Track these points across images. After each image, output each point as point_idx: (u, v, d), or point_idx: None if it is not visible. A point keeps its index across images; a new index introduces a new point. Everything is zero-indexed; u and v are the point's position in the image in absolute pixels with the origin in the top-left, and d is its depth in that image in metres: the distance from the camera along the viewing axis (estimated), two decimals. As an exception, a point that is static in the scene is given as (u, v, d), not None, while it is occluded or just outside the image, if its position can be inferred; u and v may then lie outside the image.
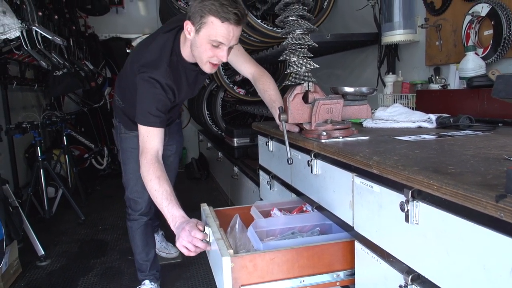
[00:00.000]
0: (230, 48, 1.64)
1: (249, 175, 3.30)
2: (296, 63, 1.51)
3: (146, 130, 1.70)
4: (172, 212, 1.52)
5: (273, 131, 1.94)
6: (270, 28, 3.24)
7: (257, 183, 2.61)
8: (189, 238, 1.38)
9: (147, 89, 1.71)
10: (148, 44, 1.86)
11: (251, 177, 3.26)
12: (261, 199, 2.30)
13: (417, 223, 0.92)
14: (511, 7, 1.71)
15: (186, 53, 1.77)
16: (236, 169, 3.77)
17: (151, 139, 1.69)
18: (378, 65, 2.72)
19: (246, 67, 1.97)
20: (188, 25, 1.62)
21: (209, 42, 1.59)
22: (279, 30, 3.24)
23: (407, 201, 0.93)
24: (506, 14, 1.71)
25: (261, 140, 2.26)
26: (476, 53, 1.83)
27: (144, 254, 2.35)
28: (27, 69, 4.68)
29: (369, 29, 2.78)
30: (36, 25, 3.47)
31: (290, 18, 1.51)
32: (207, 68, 1.70)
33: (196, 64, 1.78)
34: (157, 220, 2.70)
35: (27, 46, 3.47)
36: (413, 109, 1.95)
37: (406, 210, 0.93)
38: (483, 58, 1.83)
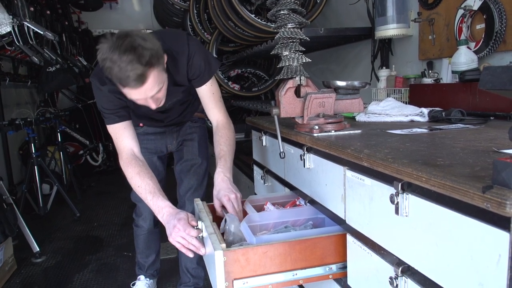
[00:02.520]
0: (158, 92, 1.50)
1: (244, 170, 3.31)
2: (288, 57, 1.51)
3: (113, 131, 1.69)
4: (158, 203, 1.52)
5: (267, 125, 1.94)
6: (264, 23, 3.24)
7: (252, 178, 2.61)
8: (183, 236, 1.38)
9: (95, 91, 1.68)
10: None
11: (245, 172, 3.26)
12: (255, 194, 2.30)
13: (407, 215, 0.93)
14: (503, 1, 1.71)
15: None
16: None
17: (120, 139, 1.68)
18: (371, 59, 2.72)
19: (214, 113, 1.82)
20: None
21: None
22: (273, 25, 3.23)
23: (397, 194, 0.93)
24: (498, 7, 1.72)
25: (255, 135, 2.26)
26: (468, 47, 1.84)
27: (144, 255, 2.35)
28: (20, 65, 4.66)
29: (363, 23, 2.79)
30: (28, 20, 3.45)
31: (282, 12, 1.51)
32: (153, 108, 1.58)
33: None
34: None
35: (19, 42, 3.45)
36: (406, 103, 1.95)
37: (396, 202, 0.94)
38: (475, 52, 1.83)
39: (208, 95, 1.79)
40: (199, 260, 2.27)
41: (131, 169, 1.62)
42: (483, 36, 1.82)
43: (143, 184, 1.57)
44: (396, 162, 0.93)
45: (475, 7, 1.84)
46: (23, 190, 3.78)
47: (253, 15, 3.24)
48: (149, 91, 1.46)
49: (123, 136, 1.68)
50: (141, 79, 1.39)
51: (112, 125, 1.69)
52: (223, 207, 1.56)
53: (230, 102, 4.77)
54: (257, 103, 4.07)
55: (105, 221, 3.98)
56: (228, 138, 1.79)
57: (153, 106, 1.54)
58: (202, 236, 1.42)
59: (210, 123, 1.92)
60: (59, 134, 4.57)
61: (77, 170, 5.10)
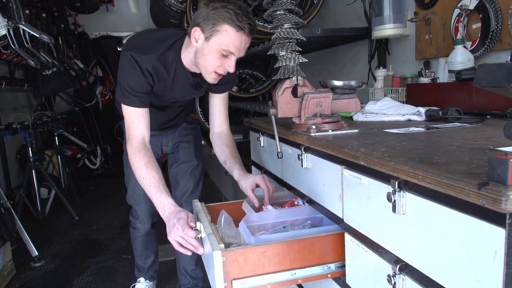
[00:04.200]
0: (241, 56, 1.59)
1: (242, 171, 3.30)
2: (285, 57, 1.51)
3: (129, 114, 1.65)
4: (161, 200, 1.51)
5: (264, 126, 1.95)
6: (261, 24, 3.24)
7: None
8: (181, 235, 1.38)
9: (125, 67, 1.63)
10: (150, 32, 1.84)
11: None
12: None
13: (404, 213, 0.93)
14: (499, 0, 1.72)
15: (186, 59, 1.68)
16: (229, 166, 3.76)
17: (135, 124, 1.65)
18: (369, 59, 2.73)
19: (222, 121, 1.93)
20: (196, 32, 1.54)
21: (220, 51, 1.52)
22: (270, 25, 3.23)
23: (394, 192, 0.93)
24: (494, 7, 1.73)
25: (252, 135, 2.27)
26: (464, 47, 1.84)
27: (142, 257, 2.34)
28: (16, 69, 4.65)
29: (360, 23, 2.79)
30: (23, 23, 3.44)
31: (278, 12, 1.51)
32: (211, 78, 1.62)
33: (193, 74, 1.71)
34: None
35: (14, 45, 3.45)
36: (403, 103, 1.96)
37: (393, 200, 0.94)
38: (472, 51, 1.84)
39: (224, 103, 1.94)
40: (198, 261, 2.28)
41: (139, 159, 1.59)
42: (479, 36, 1.83)
43: (149, 176, 1.56)
44: (392, 161, 0.93)
45: (471, 7, 1.85)
46: (21, 195, 3.78)
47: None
48: (246, 47, 1.57)
49: (139, 122, 1.66)
50: (252, 30, 1.53)
51: (131, 107, 1.65)
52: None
53: (228, 103, 4.76)
54: (254, 104, 4.06)
55: (104, 224, 3.98)
56: (234, 143, 1.93)
57: (232, 69, 1.59)
58: (200, 236, 1.42)
59: (208, 125, 1.95)
60: (56, 137, 4.57)
61: (75, 173, 5.10)
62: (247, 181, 1.70)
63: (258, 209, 1.68)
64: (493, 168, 0.66)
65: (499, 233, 0.67)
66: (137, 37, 1.78)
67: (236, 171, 1.78)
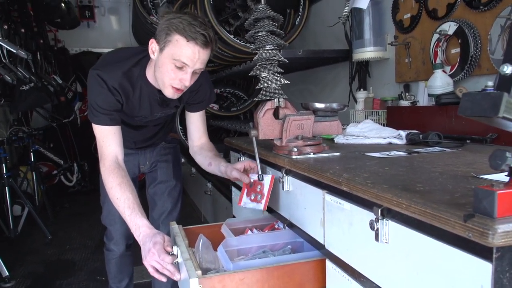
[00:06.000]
0: (194, 74, 1.54)
1: (222, 191, 3.26)
2: (267, 78, 1.50)
3: (100, 132, 1.61)
4: (135, 221, 1.45)
5: (245, 147, 1.92)
6: (243, 43, 3.25)
7: (230, 199, 2.57)
8: (157, 260, 1.33)
9: (93, 86, 1.60)
10: (120, 50, 1.81)
11: (224, 193, 3.21)
12: (234, 216, 2.26)
13: (387, 242, 0.91)
14: (478, 26, 1.75)
15: (150, 75, 1.66)
16: (209, 185, 3.72)
17: (107, 143, 1.60)
18: (349, 81, 2.74)
19: (202, 136, 1.91)
20: (152, 44, 1.53)
21: (172, 62, 1.48)
22: (252, 46, 3.24)
23: (377, 220, 0.91)
24: (473, 32, 1.75)
25: (233, 156, 2.24)
26: (444, 71, 1.86)
27: (116, 280, 2.26)
28: (-7, 83, 4.55)
29: (341, 45, 2.81)
30: (0, 38, 3.38)
31: (260, 34, 1.50)
32: (169, 92, 1.56)
33: (160, 91, 1.66)
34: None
35: (-10, 60, 3.38)
36: (384, 125, 1.96)
37: (376, 228, 0.92)
38: (451, 76, 1.86)
39: (201, 119, 1.90)
40: (173, 285, 2.21)
41: (112, 179, 1.54)
42: (458, 60, 1.85)
43: (122, 197, 1.50)
44: (375, 187, 0.91)
45: (450, 32, 1.87)
46: (-7, 212, 3.66)
47: (232, 36, 3.25)
48: (202, 59, 1.50)
49: (110, 141, 1.61)
50: (207, 42, 1.46)
51: (101, 126, 1.61)
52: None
53: (209, 121, 4.73)
54: (236, 123, 4.05)
55: (78, 244, 3.86)
56: (216, 150, 1.90)
57: (188, 82, 1.52)
58: (177, 261, 1.37)
59: (185, 143, 1.93)
60: (32, 153, 4.46)
61: (50, 190, 4.97)
62: (236, 166, 1.66)
63: (239, 232, 1.64)
64: (479, 200, 0.65)
65: (486, 267, 0.65)
66: (105, 56, 1.77)
67: (223, 164, 1.74)
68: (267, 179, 1.56)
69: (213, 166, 1.79)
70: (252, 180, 1.61)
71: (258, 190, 1.60)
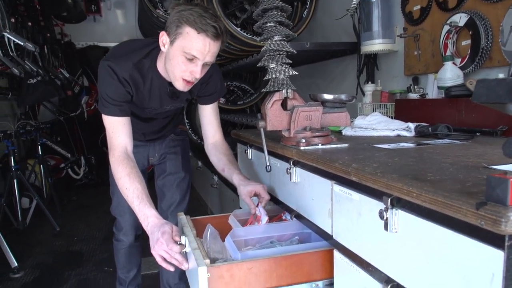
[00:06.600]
0: (205, 66, 1.54)
1: (228, 183, 3.25)
2: (275, 69, 1.49)
3: (110, 123, 1.62)
4: (144, 211, 1.46)
5: (252, 139, 1.92)
6: (250, 36, 3.24)
7: (236, 192, 2.57)
8: (165, 250, 1.34)
9: (103, 76, 1.61)
10: (130, 41, 1.81)
11: (230, 186, 3.21)
12: (240, 208, 2.26)
13: (396, 232, 0.90)
14: (489, 17, 1.73)
15: (160, 67, 1.66)
16: (215, 178, 3.72)
17: (116, 134, 1.61)
18: (357, 74, 2.73)
19: (216, 131, 1.90)
20: (163, 37, 1.52)
21: (183, 54, 1.48)
22: (258, 38, 3.23)
23: (386, 209, 0.91)
24: (484, 24, 1.73)
25: (240, 148, 2.24)
26: (454, 63, 1.84)
27: (125, 270, 2.28)
28: (0, 77, 4.58)
29: (349, 38, 2.79)
30: (8, 31, 3.39)
31: (268, 24, 1.49)
32: (180, 85, 1.57)
33: (170, 84, 1.66)
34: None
35: (-1, 53, 3.40)
36: (392, 118, 1.95)
37: (385, 218, 0.91)
38: (461, 68, 1.84)
39: (214, 113, 1.90)
40: (181, 275, 2.22)
41: (122, 169, 1.55)
42: (468, 52, 1.83)
43: (131, 187, 1.51)
44: (385, 177, 0.91)
45: (461, 23, 1.85)
46: (2, 204, 3.68)
47: (238, 29, 3.24)
48: (213, 52, 1.49)
49: (120, 132, 1.62)
50: (218, 34, 1.45)
51: (111, 117, 1.62)
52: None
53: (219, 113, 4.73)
54: (242, 116, 4.05)
55: (86, 235, 3.89)
56: (231, 151, 1.89)
57: (198, 75, 1.52)
58: (185, 251, 1.38)
59: (195, 136, 1.92)
60: (39, 147, 4.48)
61: (58, 183, 5.00)
62: (246, 188, 1.65)
63: (245, 223, 1.64)
64: (492, 188, 0.64)
65: (498, 255, 0.64)
66: (116, 47, 1.77)
67: (236, 176, 1.74)
68: (263, 218, 1.58)
69: (226, 173, 1.81)
70: (257, 214, 1.62)
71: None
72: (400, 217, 0.89)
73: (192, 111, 4.61)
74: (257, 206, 1.63)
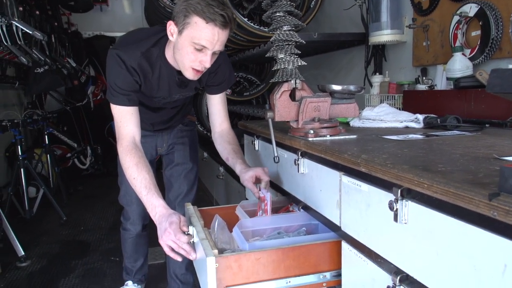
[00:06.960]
0: (214, 55, 1.53)
1: (234, 174, 3.26)
2: (283, 59, 1.48)
3: (118, 113, 1.62)
4: (152, 201, 1.46)
5: (260, 129, 1.92)
6: (257, 27, 3.22)
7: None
8: (173, 240, 1.34)
9: (112, 65, 1.61)
10: (138, 30, 1.81)
11: (236, 177, 3.21)
12: (247, 199, 2.26)
13: (406, 223, 0.90)
14: (500, 8, 1.71)
15: (169, 55, 1.65)
16: (221, 169, 3.73)
17: (124, 123, 1.61)
18: (365, 65, 2.71)
19: (223, 120, 1.90)
20: (171, 26, 1.51)
21: (192, 44, 1.47)
22: (266, 29, 3.22)
23: (396, 200, 0.90)
24: (495, 14, 1.71)
25: (247, 139, 2.23)
26: (463, 54, 1.83)
27: (132, 260, 2.29)
28: (8, 66, 4.58)
29: (356, 29, 2.77)
30: (16, 19, 3.39)
31: (278, 14, 1.48)
32: (189, 74, 1.57)
33: (179, 72, 1.67)
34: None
35: (7, 42, 3.40)
36: (400, 110, 1.94)
37: (395, 209, 0.91)
38: (470, 59, 1.82)
39: (222, 103, 1.89)
40: (188, 265, 2.23)
41: (130, 158, 1.55)
42: (478, 43, 1.81)
43: (139, 177, 1.51)
44: (395, 168, 0.90)
45: (471, 14, 1.83)
46: (9, 193, 3.70)
47: (245, 19, 3.22)
48: (222, 40, 1.49)
49: (128, 121, 1.62)
50: (226, 22, 1.44)
51: (119, 106, 1.62)
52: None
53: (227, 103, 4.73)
54: (248, 107, 4.04)
55: (92, 225, 3.91)
56: (236, 140, 1.90)
57: (208, 64, 1.52)
58: (193, 241, 1.38)
59: (201, 127, 1.92)
60: (46, 136, 4.50)
61: (64, 173, 5.02)
62: (247, 173, 1.66)
63: (252, 213, 1.65)
64: (505, 178, 0.64)
65: (510, 246, 0.64)
66: (124, 36, 1.76)
67: (238, 165, 1.75)
68: (268, 197, 1.58)
69: (230, 162, 1.82)
70: (260, 196, 1.63)
71: (263, 207, 1.62)
72: (410, 208, 0.89)
73: (198, 103, 4.61)
74: (259, 190, 1.63)
